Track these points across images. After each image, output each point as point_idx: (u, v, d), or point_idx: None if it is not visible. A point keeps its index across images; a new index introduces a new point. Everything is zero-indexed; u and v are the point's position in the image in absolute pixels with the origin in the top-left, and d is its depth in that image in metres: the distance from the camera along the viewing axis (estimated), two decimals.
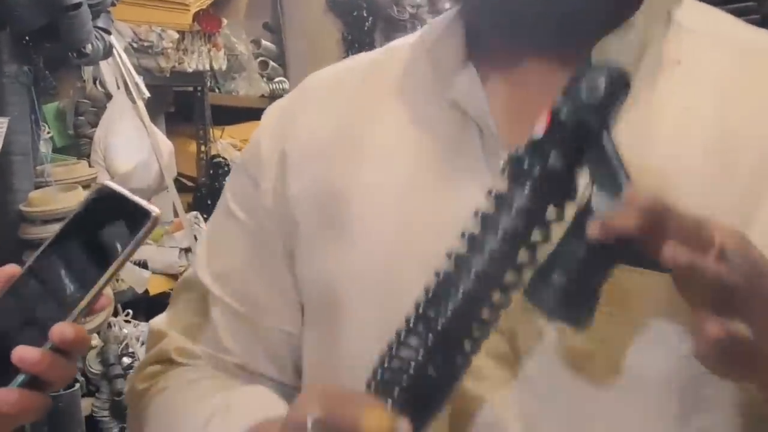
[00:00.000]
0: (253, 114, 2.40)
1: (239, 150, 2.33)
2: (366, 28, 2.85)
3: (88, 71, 1.86)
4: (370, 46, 2.78)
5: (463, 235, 0.48)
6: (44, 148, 1.75)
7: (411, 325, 0.50)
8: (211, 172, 2.28)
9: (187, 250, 2.01)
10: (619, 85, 0.47)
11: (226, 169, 2.24)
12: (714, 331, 0.42)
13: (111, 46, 1.74)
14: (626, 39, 0.57)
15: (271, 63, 2.64)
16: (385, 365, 0.52)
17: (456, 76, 0.60)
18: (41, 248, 0.60)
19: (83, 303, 0.57)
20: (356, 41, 2.84)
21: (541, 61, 0.58)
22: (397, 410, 0.49)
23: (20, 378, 0.55)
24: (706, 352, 0.44)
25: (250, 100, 2.56)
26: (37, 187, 1.67)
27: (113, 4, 1.73)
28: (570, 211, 0.47)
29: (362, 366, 0.52)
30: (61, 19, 1.58)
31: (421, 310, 0.50)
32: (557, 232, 0.47)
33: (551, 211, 0.47)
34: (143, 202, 0.58)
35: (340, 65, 0.74)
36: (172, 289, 1.23)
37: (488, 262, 0.47)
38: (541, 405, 0.57)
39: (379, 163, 0.65)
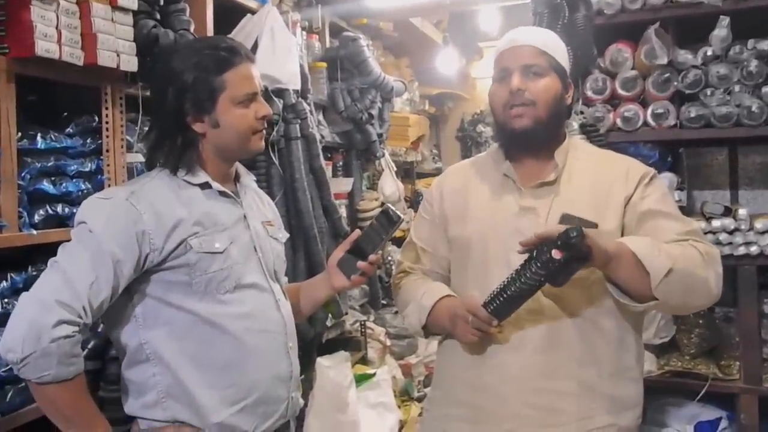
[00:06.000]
0: (431, 174, 4.60)
1: (426, 188, 4.05)
2: (469, 146, 5.12)
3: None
4: (472, 154, 4.34)
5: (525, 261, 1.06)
6: (364, 188, 3.27)
7: (506, 279, 1.06)
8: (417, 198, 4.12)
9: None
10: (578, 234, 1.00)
11: (421, 197, 3.31)
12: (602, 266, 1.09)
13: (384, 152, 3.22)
14: (562, 150, 1.25)
15: (438, 158, 4.97)
16: (492, 295, 1.08)
17: (503, 164, 1.25)
18: (366, 226, 1.21)
19: (378, 249, 1.15)
20: (466, 152, 5.10)
21: (529, 157, 1.24)
22: (491, 311, 1.08)
23: (359, 272, 1.19)
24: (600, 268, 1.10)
25: (429, 170, 4.67)
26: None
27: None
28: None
29: (477, 275, 1.20)
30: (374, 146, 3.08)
31: (511, 275, 1.07)
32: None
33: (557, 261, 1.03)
34: (398, 212, 1.13)
35: (461, 162, 1.40)
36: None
37: (530, 270, 1.05)
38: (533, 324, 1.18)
39: (476, 193, 1.25)
